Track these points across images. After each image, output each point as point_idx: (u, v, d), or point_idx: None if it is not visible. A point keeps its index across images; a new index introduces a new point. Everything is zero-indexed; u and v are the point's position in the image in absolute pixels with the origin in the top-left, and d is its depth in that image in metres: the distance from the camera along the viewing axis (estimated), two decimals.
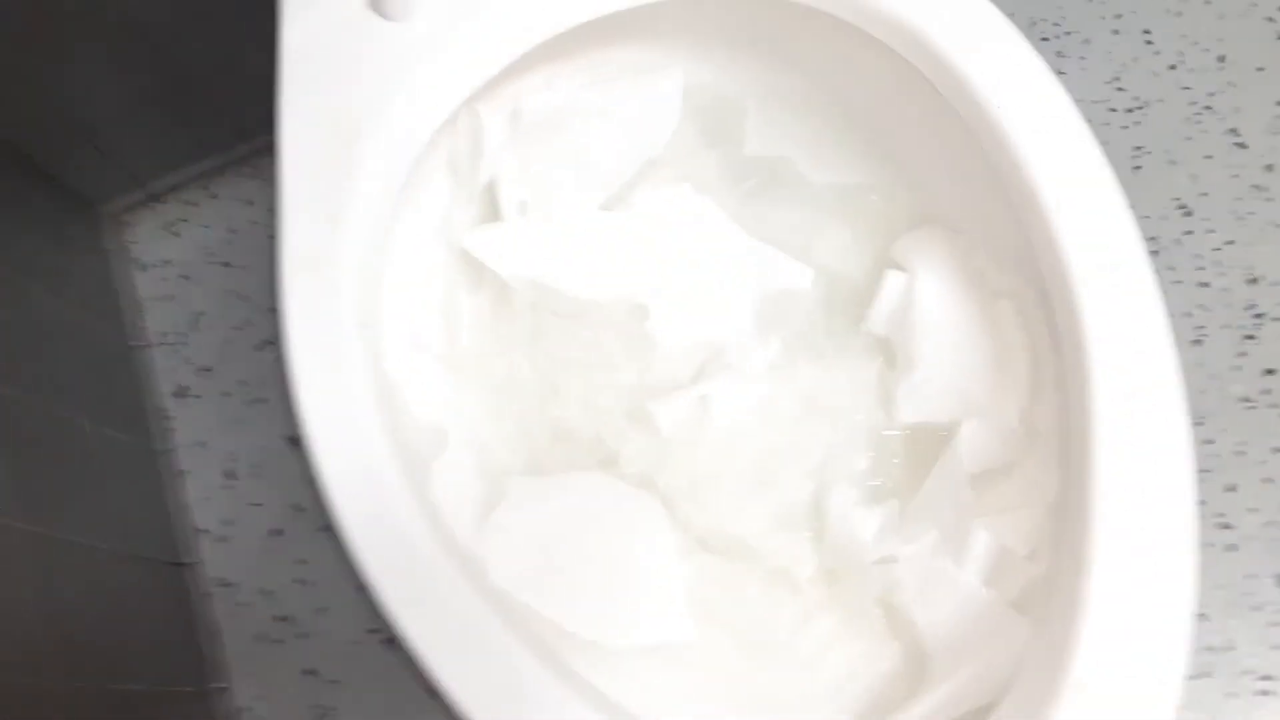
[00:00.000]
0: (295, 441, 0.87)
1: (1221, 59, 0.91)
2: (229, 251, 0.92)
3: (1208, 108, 0.90)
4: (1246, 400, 0.83)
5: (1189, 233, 0.87)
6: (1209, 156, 0.89)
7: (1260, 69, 0.90)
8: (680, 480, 0.57)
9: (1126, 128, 0.90)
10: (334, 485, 0.48)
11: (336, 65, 0.52)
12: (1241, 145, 0.89)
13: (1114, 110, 0.91)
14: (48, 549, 0.64)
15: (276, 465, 0.87)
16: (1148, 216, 0.88)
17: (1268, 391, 0.83)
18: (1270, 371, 0.83)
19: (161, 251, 0.93)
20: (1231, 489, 0.81)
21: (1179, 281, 0.86)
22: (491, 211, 0.66)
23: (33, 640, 0.59)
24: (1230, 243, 0.87)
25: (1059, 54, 0.93)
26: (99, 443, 0.78)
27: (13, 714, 0.55)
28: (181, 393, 0.89)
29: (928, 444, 0.58)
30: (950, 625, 0.50)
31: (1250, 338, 0.84)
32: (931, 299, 0.55)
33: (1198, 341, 0.85)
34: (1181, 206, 0.88)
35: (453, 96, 0.54)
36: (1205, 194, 0.88)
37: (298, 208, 0.50)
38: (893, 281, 0.56)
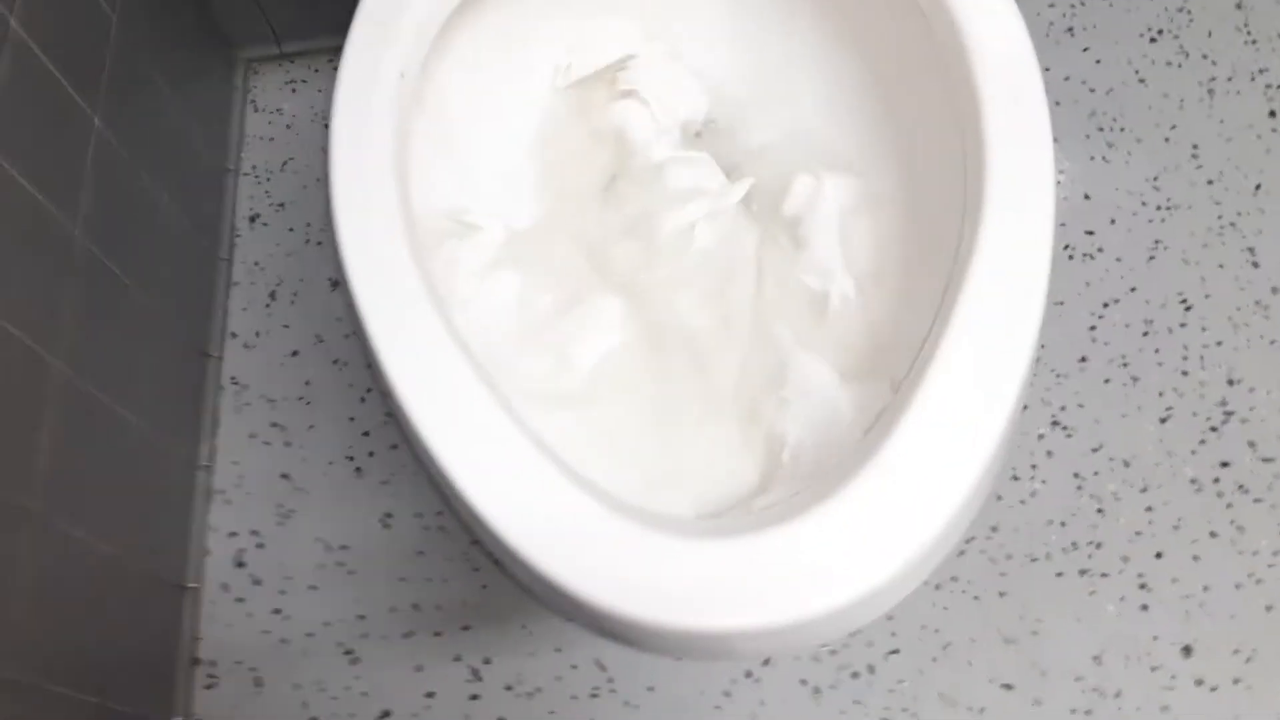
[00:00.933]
0: (335, 284, 0.97)
1: (1258, 187, 0.97)
2: None
3: (1232, 224, 0.96)
4: (1195, 483, 0.86)
5: (1184, 325, 0.92)
6: (1221, 265, 0.95)
7: None
8: (657, 279, 0.65)
9: (1152, 221, 0.96)
10: (343, 211, 0.56)
11: None
12: (1255, 264, 0.94)
13: (1144, 204, 0.97)
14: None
15: (315, 298, 0.97)
16: (1148, 301, 0.93)
17: (1217, 480, 0.86)
18: (1225, 464, 0.87)
19: (277, 101, 1.06)
20: (1159, 556, 0.84)
21: (1161, 364, 0.91)
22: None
23: None
24: (1220, 344, 0.92)
25: (1109, 144, 1.00)
26: (175, 219, 0.89)
27: None
28: (254, 218, 1.01)
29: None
30: (811, 456, 0.55)
31: (1214, 430, 0.88)
32: (830, 203, 0.63)
33: (1164, 420, 0.89)
34: (1183, 301, 0.93)
35: None
36: (1209, 296, 0.93)
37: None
38: (802, 182, 0.65)
